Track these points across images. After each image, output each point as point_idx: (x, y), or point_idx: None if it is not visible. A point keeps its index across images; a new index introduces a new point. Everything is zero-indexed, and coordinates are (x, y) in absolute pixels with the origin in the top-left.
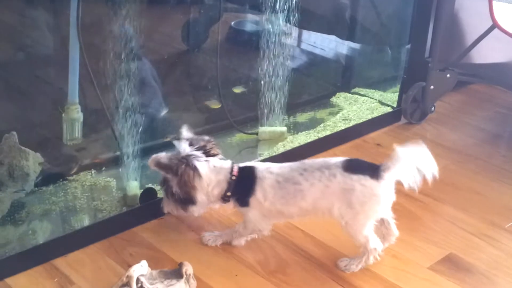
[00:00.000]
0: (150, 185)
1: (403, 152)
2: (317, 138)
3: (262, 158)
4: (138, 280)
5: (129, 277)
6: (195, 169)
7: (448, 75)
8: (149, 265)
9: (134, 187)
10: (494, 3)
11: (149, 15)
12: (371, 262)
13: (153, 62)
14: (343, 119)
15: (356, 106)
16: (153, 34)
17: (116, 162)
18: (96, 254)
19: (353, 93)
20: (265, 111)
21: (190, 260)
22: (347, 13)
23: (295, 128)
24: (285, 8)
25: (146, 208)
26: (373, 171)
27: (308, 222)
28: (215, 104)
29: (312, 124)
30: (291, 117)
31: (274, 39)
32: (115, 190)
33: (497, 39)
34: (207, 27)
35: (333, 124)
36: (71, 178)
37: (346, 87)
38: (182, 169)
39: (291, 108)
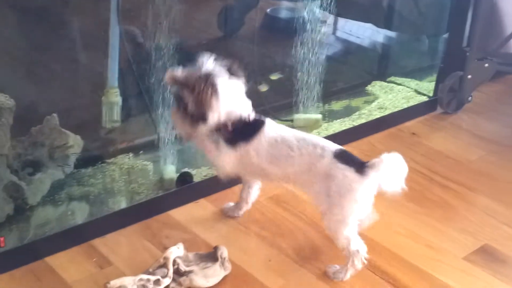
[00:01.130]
0: (186, 169)
1: (389, 157)
2: (352, 126)
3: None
4: (174, 261)
5: (166, 259)
6: (214, 87)
7: (486, 65)
8: (185, 248)
9: (170, 171)
10: None
11: (187, 1)
12: (359, 266)
13: (189, 48)
14: (379, 108)
15: (392, 95)
16: (191, 21)
17: (153, 146)
18: (133, 235)
19: (389, 82)
20: (301, 98)
21: (225, 244)
22: (384, 1)
23: (330, 116)
24: None
25: (182, 191)
26: (360, 166)
27: None
28: (264, 87)
29: (347, 112)
30: (326, 104)
31: (309, 27)
32: (152, 173)
33: None
34: (243, 14)
35: (368, 113)
36: (109, 160)
37: (382, 76)
38: (200, 88)
39: (327, 95)
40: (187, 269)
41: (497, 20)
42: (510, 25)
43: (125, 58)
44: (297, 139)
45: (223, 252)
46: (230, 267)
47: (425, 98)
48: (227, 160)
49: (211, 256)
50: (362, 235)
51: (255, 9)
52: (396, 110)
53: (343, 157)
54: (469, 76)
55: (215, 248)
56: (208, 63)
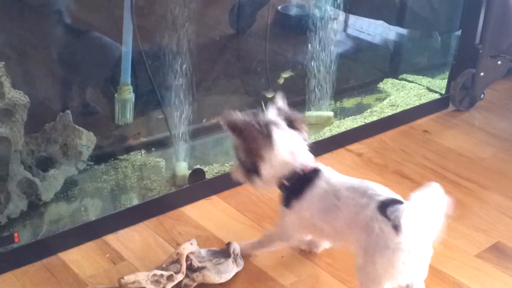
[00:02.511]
0: (198, 166)
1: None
2: (364, 123)
3: (308, 142)
4: (187, 257)
5: (179, 254)
6: (269, 137)
7: (499, 62)
8: (198, 244)
9: (183, 168)
10: None
11: None
12: None
13: (202, 45)
14: (390, 105)
15: (404, 92)
16: (203, 17)
17: (165, 143)
18: (145, 231)
19: (400, 79)
20: (312, 95)
21: (236, 240)
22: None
23: (341, 113)
24: None
25: (195, 188)
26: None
27: None
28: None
29: (359, 109)
30: (338, 102)
31: (321, 24)
32: (164, 170)
33: None
34: (255, 11)
35: (380, 110)
36: (122, 157)
37: (394, 73)
38: (254, 137)
39: (338, 93)
40: (200, 265)
41: (510, 17)
42: None
43: (138, 55)
44: (347, 188)
45: (236, 248)
46: (243, 263)
47: (437, 96)
48: (287, 222)
49: (224, 252)
50: None
51: (266, 6)
52: (408, 107)
53: (385, 207)
54: (482, 74)
55: (228, 244)
56: (270, 111)
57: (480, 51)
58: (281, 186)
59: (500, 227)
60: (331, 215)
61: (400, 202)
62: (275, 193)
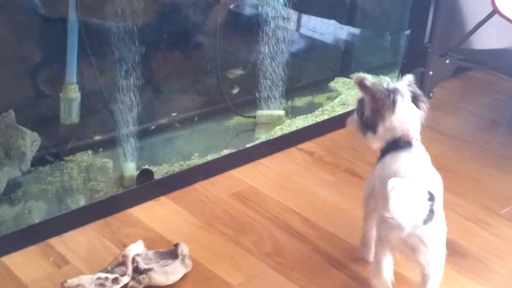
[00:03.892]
0: (146, 167)
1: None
2: (315, 122)
3: (259, 141)
4: (133, 259)
5: (125, 256)
6: (394, 102)
7: (447, 61)
8: (145, 246)
9: (131, 168)
10: None
11: None
12: None
13: (150, 44)
14: (341, 104)
15: (355, 91)
16: (153, 15)
17: (113, 143)
18: (91, 234)
19: (351, 78)
20: (264, 94)
21: (186, 242)
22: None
23: (293, 112)
24: None
25: (143, 189)
26: None
27: (305, 206)
28: (233, 74)
29: (310, 108)
30: (289, 101)
31: (273, 23)
32: (111, 171)
33: (497, 25)
34: (206, 9)
35: (331, 109)
36: (67, 158)
37: (345, 72)
38: (382, 98)
39: (290, 92)
40: (147, 267)
41: (458, 17)
42: (471, 21)
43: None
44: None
45: (184, 249)
46: (191, 264)
47: None
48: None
49: (172, 253)
50: (321, 229)
51: (218, 5)
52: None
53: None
54: (431, 72)
55: (176, 246)
56: (400, 82)
57: (429, 50)
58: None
59: (448, 224)
60: (381, 201)
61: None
62: (225, 193)
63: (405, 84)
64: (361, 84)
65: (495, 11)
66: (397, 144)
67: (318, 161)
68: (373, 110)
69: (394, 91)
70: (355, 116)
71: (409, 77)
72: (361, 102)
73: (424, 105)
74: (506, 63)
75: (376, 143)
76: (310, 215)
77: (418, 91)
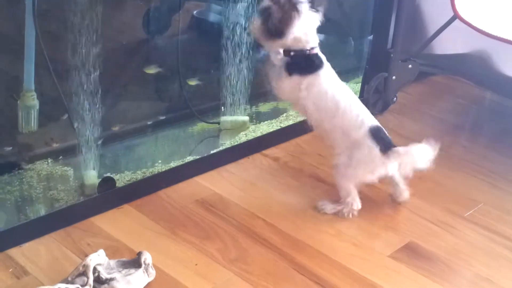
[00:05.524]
0: (108, 174)
1: (415, 150)
2: (280, 128)
3: (223, 147)
4: (95, 269)
5: (85, 266)
6: (298, 9)
7: (410, 66)
8: (107, 255)
9: (92, 176)
10: None
11: (109, 0)
12: (345, 215)
13: (112, 50)
14: None
15: None
16: (113, 21)
17: (73, 150)
18: (52, 244)
19: None
20: (228, 100)
21: (149, 250)
22: (310, 3)
23: (257, 118)
24: None
25: (104, 197)
26: (386, 146)
27: (270, 212)
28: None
29: (275, 114)
30: (254, 106)
31: (236, 29)
32: (72, 179)
33: (458, 30)
34: (169, 15)
35: (296, 114)
36: (26, 167)
37: None
38: (288, 4)
39: (254, 98)
40: (109, 276)
41: (420, 22)
42: (432, 26)
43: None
44: (347, 102)
45: (147, 257)
46: (155, 273)
47: None
48: (282, 85)
49: (134, 262)
50: (286, 235)
51: (181, 11)
52: None
53: (375, 134)
54: (394, 77)
55: (139, 254)
56: None
57: (392, 55)
58: (288, 55)
59: (412, 227)
60: (327, 114)
61: (380, 129)
62: (189, 200)
63: None
64: None
65: (456, 16)
66: (311, 60)
67: (283, 166)
68: (281, 18)
69: (298, 2)
70: (258, 22)
71: None
72: (266, 10)
73: (318, 8)
74: (468, 68)
75: (277, 47)
76: (275, 221)
77: None
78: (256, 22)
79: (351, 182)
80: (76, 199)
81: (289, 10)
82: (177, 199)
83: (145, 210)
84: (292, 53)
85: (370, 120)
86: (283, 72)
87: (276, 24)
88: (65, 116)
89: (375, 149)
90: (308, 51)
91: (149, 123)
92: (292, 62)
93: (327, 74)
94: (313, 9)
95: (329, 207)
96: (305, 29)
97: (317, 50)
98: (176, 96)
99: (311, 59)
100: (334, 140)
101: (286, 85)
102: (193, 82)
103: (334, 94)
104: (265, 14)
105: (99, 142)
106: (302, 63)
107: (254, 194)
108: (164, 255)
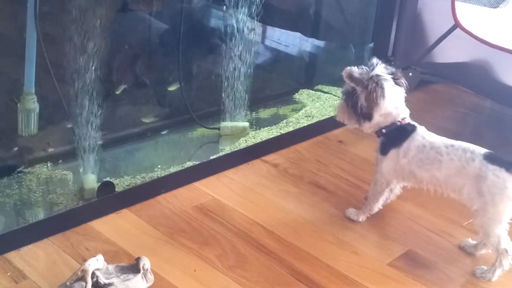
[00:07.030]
0: (107, 179)
1: None
2: (279, 134)
3: (223, 153)
4: (93, 274)
5: (84, 271)
6: (382, 88)
7: (410, 74)
8: (106, 260)
9: (91, 181)
10: (456, 3)
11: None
12: (506, 267)
13: (113, 53)
14: (306, 116)
15: (319, 103)
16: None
17: (73, 154)
18: (50, 248)
19: (316, 90)
20: (228, 106)
21: (148, 255)
22: (311, 10)
23: (257, 124)
24: (250, 3)
25: (104, 202)
26: (510, 165)
27: (269, 218)
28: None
29: (275, 120)
30: (254, 112)
31: (238, 34)
32: (71, 183)
33: (458, 38)
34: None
35: (296, 121)
36: (26, 170)
37: (309, 84)
38: (372, 86)
39: (254, 104)
40: (107, 281)
41: (421, 30)
42: (433, 35)
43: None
44: (446, 145)
45: (146, 263)
46: (153, 279)
47: None
48: (383, 168)
49: (133, 267)
50: (285, 241)
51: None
52: (323, 118)
53: (492, 158)
54: None
55: (137, 259)
56: (378, 67)
57: (392, 63)
58: (380, 134)
59: (411, 236)
60: (429, 165)
61: (495, 154)
62: (188, 206)
63: (383, 68)
64: (351, 77)
65: (456, 25)
66: (404, 129)
67: (283, 173)
68: (367, 100)
69: (380, 78)
70: (343, 107)
71: (378, 61)
72: (350, 93)
73: (403, 80)
74: (468, 76)
75: (370, 130)
76: (274, 228)
77: (393, 69)
78: (342, 107)
79: (495, 223)
80: (75, 203)
81: (374, 91)
82: (176, 204)
83: (144, 215)
84: (384, 131)
85: (478, 148)
86: (378, 156)
87: (364, 108)
88: (69, 125)
89: (499, 171)
90: (399, 122)
91: (149, 127)
92: (387, 141)
93: (421, 132)
94: (397, 80)
95: (490, 274)
96: (394, 104)
97: (408, 120)
98: (176, 101)
99: (404, 128)
100: (456, 189)
101: (385, 165)
102: (173, 88)
103: (431, 143)
104: (351, 98)
105: (99, 146)
106: (396, 136)
107: (254, 200)
108: (163, 260)
